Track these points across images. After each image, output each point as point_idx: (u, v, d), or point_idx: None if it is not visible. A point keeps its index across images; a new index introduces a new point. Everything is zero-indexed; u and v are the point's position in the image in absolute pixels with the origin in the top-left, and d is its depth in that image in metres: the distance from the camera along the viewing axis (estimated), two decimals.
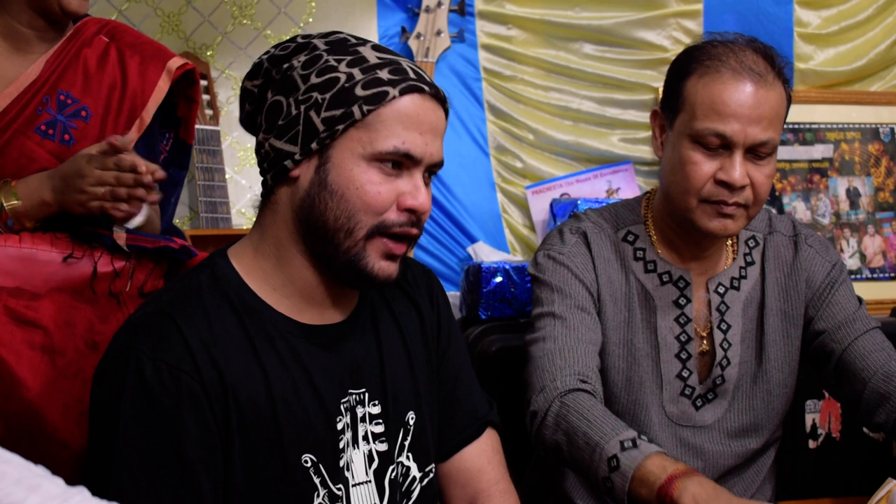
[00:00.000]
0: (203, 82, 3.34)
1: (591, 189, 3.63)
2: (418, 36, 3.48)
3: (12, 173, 2.07)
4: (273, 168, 1.69)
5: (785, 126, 3.71)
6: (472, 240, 3.58)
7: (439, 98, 1.71)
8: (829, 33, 3.86)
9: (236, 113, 3.43)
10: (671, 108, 2.14)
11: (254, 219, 3.38)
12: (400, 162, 1.66)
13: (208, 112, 3.33)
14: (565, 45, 3.71)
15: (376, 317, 1.84)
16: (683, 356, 2.20)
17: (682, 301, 2.20)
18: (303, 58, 1.69)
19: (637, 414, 2.19)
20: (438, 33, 3.47)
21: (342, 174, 1.65)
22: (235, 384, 1.63)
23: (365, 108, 1.63)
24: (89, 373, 1.97)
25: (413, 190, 1.67)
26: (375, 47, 1.71)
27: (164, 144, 2.34)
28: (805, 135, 3.73)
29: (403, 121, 1.65)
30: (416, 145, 1.65)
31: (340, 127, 1.64)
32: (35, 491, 1.38)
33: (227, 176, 3.34)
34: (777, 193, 3.68)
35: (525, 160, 3.66)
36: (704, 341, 2.21)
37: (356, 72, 1.66)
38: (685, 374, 2.20)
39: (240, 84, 3.44)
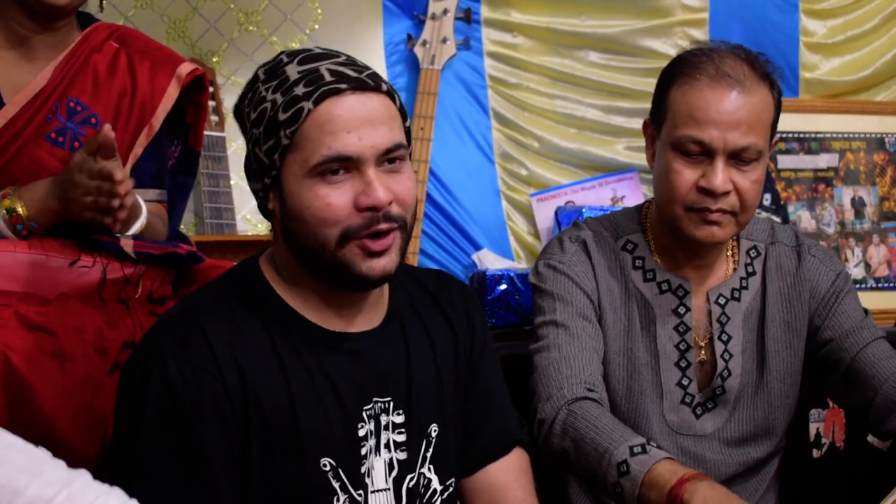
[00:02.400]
0: (209, 89, 3.34)
1: (596, 197, 3.63)
2: (424, 43, 3.48)
3: (23, 181, 2.07)
4: (260, 207, 1.74)
5: (790, 135, 3.74)
6: (477, 247, 3.58)
7: (367, 87, 1.66)
8: (835, 43, 3.86)
9: None
10: (657, 119, 2.15)
11: (258, 225, 3.41)
12: (342, 167, 1.64)
13: (214, 118, 3.33)
14: (571, 53, 3.71)
15: (407, 328, 1.85)
16: (683, 364, 2.20)
17: (682, 310, 2.20)
18: (250, 95, 1.71)
19: (637, 422, 2.19)
20: (444, 41, 3.48)
21: (295, 198, 1.66)
22: (256, 385, 1.66)
23: (288, 131, 1.63)
24: (98, 379, 1.98)
25: (365, 188, 1.64)
26: (304, 59, 1.69)
27: (173, 151, 2.34)
28: (810, 144, 3.73)
29: (324, 128, 1.62)
30: (346, 145, 1.62)
31: (276, 156, 1.65)
32: (38, 476, 1.40)
33: (232, 182, 3.34)
34: (782, 202, 3.68)
35: (530, 168, 3.66)
36: (703, 351, 2.22)
37: (278, 97, 1.65)
38: (685, 382, 2.20)
39: None
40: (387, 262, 1.68)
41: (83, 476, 1.45)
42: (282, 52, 1.73)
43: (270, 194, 1.70)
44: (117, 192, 1.96)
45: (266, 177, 1.68)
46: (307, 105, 1.62)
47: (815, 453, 3.14)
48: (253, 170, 1.72)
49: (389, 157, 1.67)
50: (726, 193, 2.05)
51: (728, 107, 2.04)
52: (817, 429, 3.13)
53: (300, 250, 1.69)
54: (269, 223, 1.77)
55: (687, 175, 2.07)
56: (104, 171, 1.95)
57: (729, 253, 2.25)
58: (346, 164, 1.63)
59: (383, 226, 1.66)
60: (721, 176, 2.04)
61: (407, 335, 1.84)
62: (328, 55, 1.70)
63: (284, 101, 1.64)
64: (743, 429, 2.23)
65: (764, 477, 2.31)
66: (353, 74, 1.66)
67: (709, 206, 2.06)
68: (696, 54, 2.12)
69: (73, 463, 2.00)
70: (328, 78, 1.64)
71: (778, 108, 2.13)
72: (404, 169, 1.70)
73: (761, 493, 2.30)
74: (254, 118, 1.68)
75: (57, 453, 2.00)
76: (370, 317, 1.80)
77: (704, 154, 2.06)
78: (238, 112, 1.75)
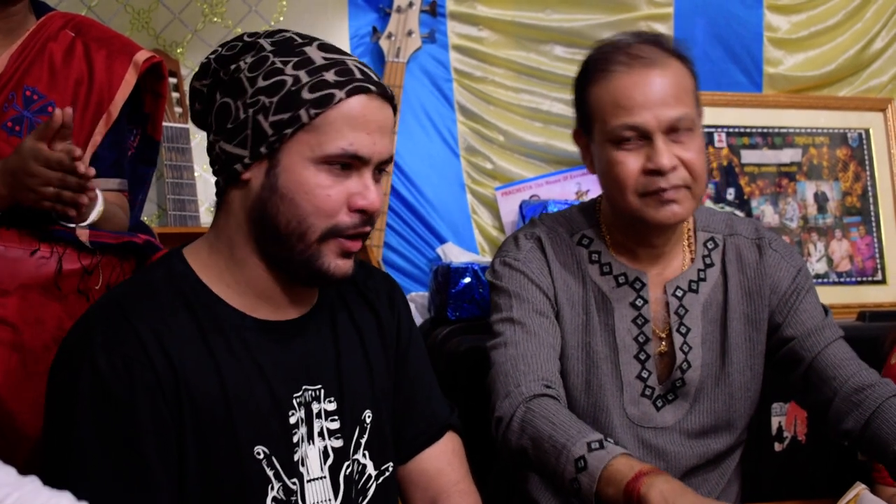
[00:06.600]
0: (172, 80, 3.33)
1: (561, 191, 3.64)
2: (389, 36, 3.48)
3: None
4: (224, 171, 1.71)
5: (754, 130, 3.76)
6: (442, 240, 3.58)
7: (386, 96, 1.71)
8: (799, 38, 3.89)
9: None
10: (585, 124, 2.18)
11: None
12: (349, 163, 1.66)
13: (177, 110, 3.32)
14: (536, 46, 3.72)
15: (334, 316, 1.85)
16: (642, 357, 2.20)
17: (639, 302, 2.20)
18: (249, 59, 1.69)
19: (597, 417, 2.19)
20: (409, 34, 3.47)
21: (292, 178, 1.65)
22: (188, 375, 1.64)
23: (312, 111, 1.63)
24: None
25: (363, 190, 1.67)
26: (321, 46, 1.71)
27: (132, 141, 2.32)
28: (774, 139, 3.75)
29: (350, 122, 1.65)
30: (364, 145, 1.65)
31: (288, 131, 1.64)
32: None
33: (195, 174, 3.33)
34: (746, 197, 3.70)
35: (495, 161, 3.66)
36: (663, 343, 2.22)
37: (302, 74, 1.65)
38: (644, 374, 2.20)
39: None
40: (350, 266, 1.71)
41: (33, 481, 1.44)
42: (282, 30, 1.74)
43: (255, 165, 1.68)
44: (86, 187, 1.96)
45: (262, 146, 1.65)
46: (338, 93, 1.64)
47: (777, 447, 3.16)
48: (242, 135, 1.67)
49: (380, 168, 1.72)
50: (675, 169, 2.07)
51: (651, 86, 2.06)
52: (779, 422, 3.15)
53: (269, 230, 1.68)
54: (216, 202, 1.76)
55: (631, 163, 2.08)
56: (63, 162, 1.93)
57: (685, 244, 2.26)
58: (356, 163, 1.66)
59: (367, 229, 1.70)
60: (666, 153, 2.06)
61: (335, 323, 1.84)
62: (343, 51, 1.73)
63: (311, 82, 1.64)
64: (703, 421, 2.23)
65: (725, 470, 2.31)
66: (376, 80, 1.70)
67: (661, 186, 2.07)
68: (604, 50, 2.15)
69: (29, 452, 2.00)
70: (358, 75, 1.67)
71: (696, 79, 2.16)
72: (379, 182, 1.73)
73: (723, 485, 2.30)
74: (264, 86, 1.65)
75: (13, 442, 2.00)
76: (299, 306, 1.79)
77: (642, 138, 2.07)
78: (224, 63, 1.71)
